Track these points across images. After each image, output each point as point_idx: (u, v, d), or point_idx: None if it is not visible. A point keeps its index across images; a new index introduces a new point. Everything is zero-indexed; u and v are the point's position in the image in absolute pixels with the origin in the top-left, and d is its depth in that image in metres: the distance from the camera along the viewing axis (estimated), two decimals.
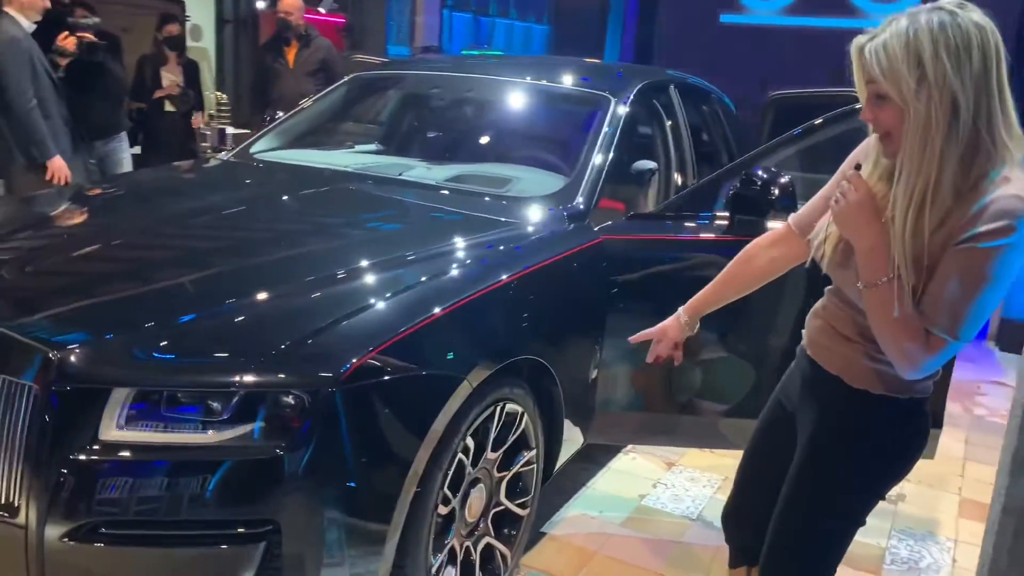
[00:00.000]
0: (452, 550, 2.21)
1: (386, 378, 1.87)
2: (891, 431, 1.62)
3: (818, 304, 1.77)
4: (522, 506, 2.48)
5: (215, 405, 1.77)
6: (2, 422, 1.75)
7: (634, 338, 2.05)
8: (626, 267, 2.71)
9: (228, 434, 1.76)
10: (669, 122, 3.63)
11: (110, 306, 1.96)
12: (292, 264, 2.25)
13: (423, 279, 2.16)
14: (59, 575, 1.75)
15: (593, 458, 3.42)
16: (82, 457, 1.72)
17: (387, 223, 2.65)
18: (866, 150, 1.63)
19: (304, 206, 2.80)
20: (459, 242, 2.42)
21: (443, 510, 2.10)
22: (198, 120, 6.00)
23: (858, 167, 1.55)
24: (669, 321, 1.99)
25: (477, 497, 2.29)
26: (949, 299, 1.41)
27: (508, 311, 2.28)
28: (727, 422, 2.90)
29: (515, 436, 2.37)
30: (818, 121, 2.84)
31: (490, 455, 2.29)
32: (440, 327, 2.03)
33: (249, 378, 1.75)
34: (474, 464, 2.22)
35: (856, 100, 1.54)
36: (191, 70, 6.18)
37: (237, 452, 1.75)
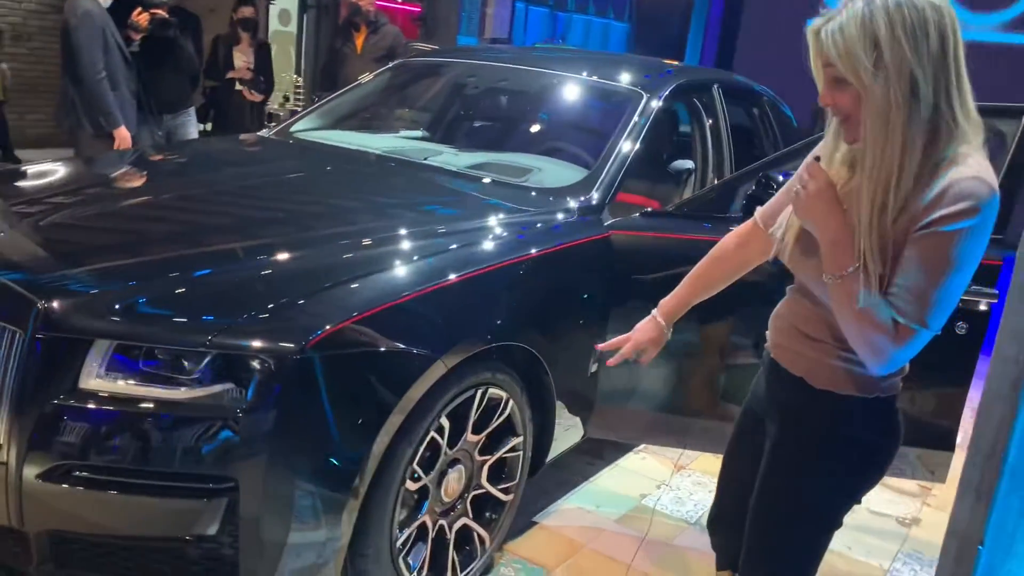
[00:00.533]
0: (424, 527, 2.25)
1: (354, 350, 1.93)
2: (858, 431, 1.59)
3: (780, 305, 1.75)
4: (505, 491, 2.50)
5: (188, 364, 1.85)
6: None
7: (608, 349, 1.97)
8: (632, 263, 2.70)
9: (198, 392, 1.84)
10: (709, 121, 3.59)
11: (105, 262, 2.06)
12: (294, 234, 2.33)
13: (411, 258, 2.21)
14: (36, 512, 1.86)
15: (600, 454, 3.42)
16: (61, 402, 1.82)
17: (393, 205, 2.69)
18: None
19: (321, 183, 2.89)
20: (454, 226, 2.46)
21: (412, 486, 2.14)
22: (255, 95, 6.19)
23: (817, 158, 1.53)
24: (650, 329, 1.91)
25: (455, 478, 2.32)
26: (915, 286, 1.39)
27: (492, 298, 2.30)
28: None
29: (499, 422, 2.39)
30: None
31: (471, 438, 2.32)
32: (417, 307, 2.07)
33: (219, 340, 1.82)
34: (451, 444, 2.25)
35: None
36: (263, 52, 6.38)
37: (204, 410, 1.82)
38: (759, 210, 1.80)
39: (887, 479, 3.46)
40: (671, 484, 3.28)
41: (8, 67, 8.25)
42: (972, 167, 1.37)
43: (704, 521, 3.00)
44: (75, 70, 4.33)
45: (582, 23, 10.86)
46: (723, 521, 1.99)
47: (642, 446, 3.52)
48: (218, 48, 6.21)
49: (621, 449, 3.48)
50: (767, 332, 1.78)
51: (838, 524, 1.70)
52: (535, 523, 2.87)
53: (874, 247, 1.42)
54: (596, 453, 3.42)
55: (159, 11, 4.79)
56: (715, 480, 3.29)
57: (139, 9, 4.73)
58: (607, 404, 2.82)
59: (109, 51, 4.39)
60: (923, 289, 1.38)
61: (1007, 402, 1.41)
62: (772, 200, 1.78)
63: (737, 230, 1.85)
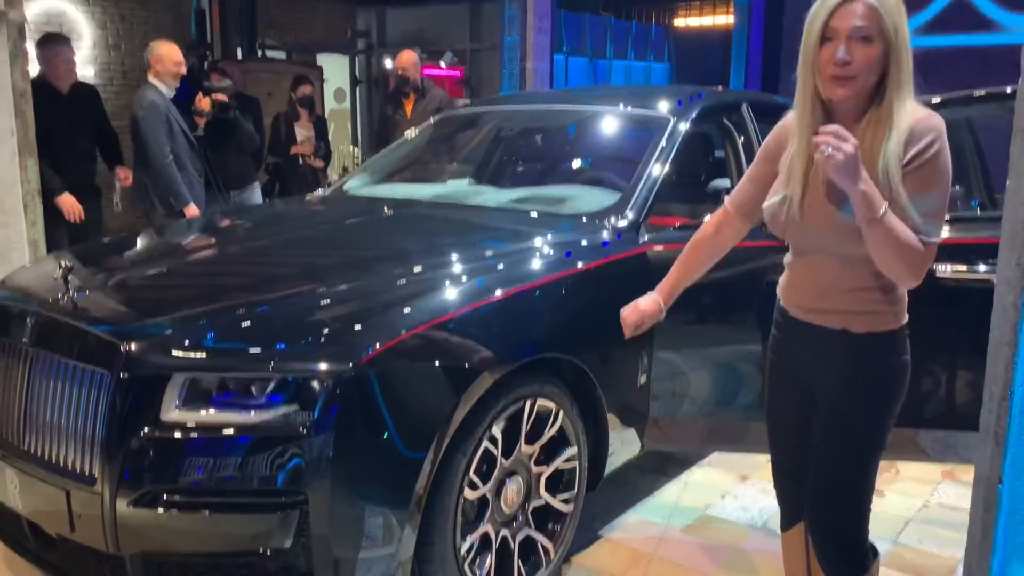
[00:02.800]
0: (486, 536, 2.36)
1: (405, 365, 2.08)
2: (893, 358, 1.89)
3: (793, 276, 1.97)
4: (565, 502, 2.60)
5: (255, 389, 2.03)
6: (83, 404, 2.08)
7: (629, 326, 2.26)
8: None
9: (266, 415, 2.01)
10: (741, 139, 3.69)
11: (177, 305, 2.26)
12: (348, 269, 2.53)
13: (459, 280, 2.38)
14: (129, 536, 2.04)
15: (665, 470, 3.47)
16: (147, 434, 2.01)
17: (441, 238, 2.86)
18: (785, 130, 1.91)
19: (372, 226, 3.10)
20: (494, 250, 2.61)
21: (471, 495, 2.26)
22: (318, 162, 6.55)
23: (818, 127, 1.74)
24: (650, 304, 2.22)
25: (513, 488, 2.43)
26: (927, 210, 1.72)
27: (532, 312, 2.44)
28: None
29: (551, 433, 2.50)
30: None
31: (525, 448, 2.43)
32: (463, 323, 2.22)
33: (281, 364, 2.00)
34: (506, 455, 2.37)
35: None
36: (320, 126, 6.77)
37: (272, 431, 1.99)
38: (728, 198, 2.10)
39: (956, 471, 3.44)
40: (736, 493, 3.31)
41: None
42: (920, 110, 1.74)
43: (770, 524, 3.05)
44: (145, 156, 4.68)
45: (622, 68, 11.12)
46: (782, 476, 2.16)
47: (706, 460, 3.57)
48: (279, 126, 6.61)
49: (685, 464, 3.53)
50: (781, 303, 2.00)
51: (887, 445, 1.95)
52: (601, 536, 2.95)
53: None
54: (660, 469, 3.48)
55: (220, 96, 5.16)
56: None
57: (201, 95, 5.12)
58: (661, 415, 2.90)
59: (174, 136, 4.74)
60: (932, 210, 1.72)
61: (1011, 346, 1.47)
62: (740, 189, 2.07)
63: (711, 218, 2.15)
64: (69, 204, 4.56)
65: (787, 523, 2.21)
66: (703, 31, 12.65)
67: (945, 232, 2.59)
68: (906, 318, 1.89)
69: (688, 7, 13.48)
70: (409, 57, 6.28)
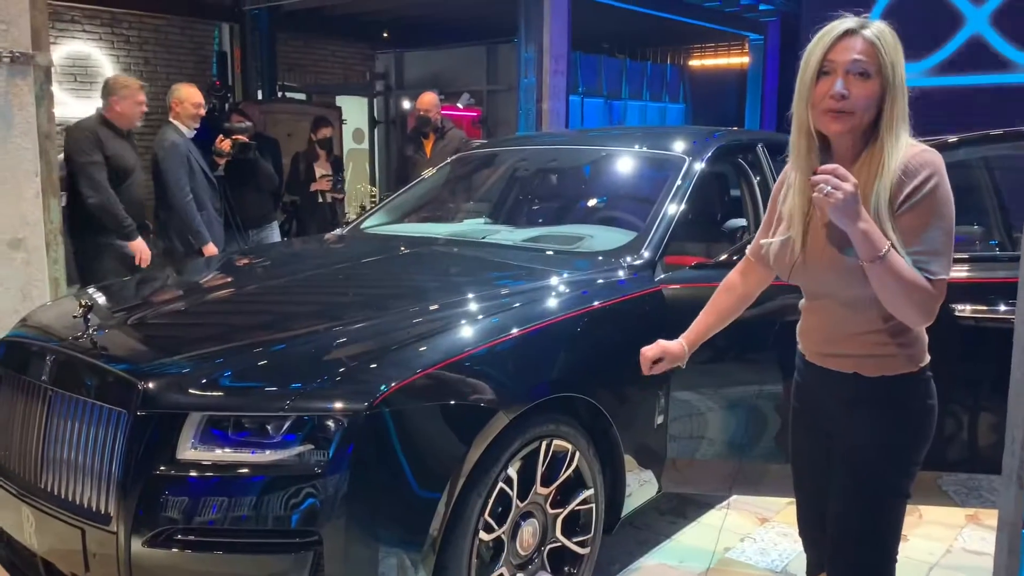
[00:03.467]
0: None
1: (421, 404, 2.08)
2: (913, 402, 1.82)
3: (806, 321, 1.93)
4: (582, 544, 2.57)
5: (271, 428, 2.03)
6: (99, 442, 2.08)
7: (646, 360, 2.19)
8: (685, 312, 2.78)
9: (282, 454, 2.01)
10: (757, 178, 3.69)
11: (194, 344, 2.28)
12: (364, 307, 2.55)
13: (475, 318, 2.38)
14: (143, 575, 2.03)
15: (683, 512, 3.43)
16: (163, 473, 2.01)
17: (457, 276, 2.88)
18: (788, 174, 1.87)
19: (389, 264, 3.12)
20: (508, 288, 2.62)
21: (486, 536, 2.24)
22: (338, 194, 6.66)
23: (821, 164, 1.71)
24: (674, 346, 2.16)
25: (529, 531, 2.41)
26: (930, 248, 1.66)
27: (548, 351, 2.44)
28: None
29: (567, 474, 2.48)
30: None
31: (540, 490, 2.41)
32: (475, 362, 2.22)
33: (297, 404, 2.00)
34: (522, 497, 2.35)
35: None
36: (336, 164, 6.86)
37: (287, 470, 1.99)
38: (750, 248, 2.08)
39: (980, 515, 3.37)
40: (755, 536, 3.27)
41: None
42: (913, 146, 1.71)
43: (791, 569, 3.00)
44: (165, 195, 4.75)
45: (638, 109, 11.21)
46: (808, 522, 2.11)
47: (725, 502, 3.52)
48: (299, 164, 6.70)
49: (703, 506, 3.49)
50: (799, 348, 1.95)
51: (911, 494, 1.88)
52: None
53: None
54: (678, 512, 3.44)
55: (240, 136, 5.24)
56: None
57: (221, 136, 5.20)
58: (679, 456, 2.87)
59: (194, 175, 4.81)
60: (937, 246, 1.66)
61: None
62: (756, 235, 2.04)
63: (737, 268, 2.13)
64: (141, 249, 4.53)
65: (814, 570, 2.15)
66: (718, 72, 12.75)
67: (964, 271, 2.58)
68: (926, 360, 1.82)
69: (703, 48, 13.62)
70: (430, 99, 6.37)
